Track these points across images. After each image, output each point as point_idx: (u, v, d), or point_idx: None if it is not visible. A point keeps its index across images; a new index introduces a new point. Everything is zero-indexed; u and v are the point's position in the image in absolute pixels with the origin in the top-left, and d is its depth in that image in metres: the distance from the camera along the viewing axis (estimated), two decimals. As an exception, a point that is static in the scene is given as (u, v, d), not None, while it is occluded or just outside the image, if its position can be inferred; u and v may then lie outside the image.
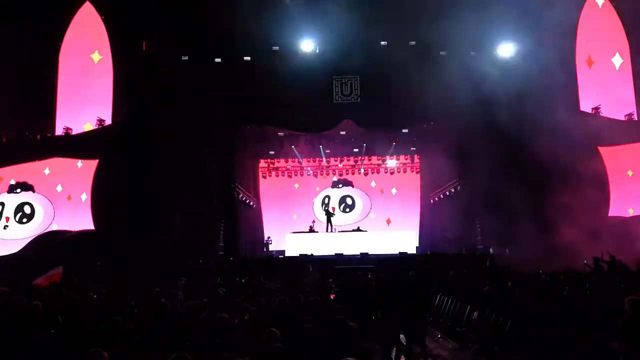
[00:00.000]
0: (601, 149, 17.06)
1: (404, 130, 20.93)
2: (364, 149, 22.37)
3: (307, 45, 17.90)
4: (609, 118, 17.41)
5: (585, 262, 11.79)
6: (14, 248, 17.19)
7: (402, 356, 7.47)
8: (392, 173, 24.06)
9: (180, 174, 17.31)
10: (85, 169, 17.78)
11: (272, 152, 22.83)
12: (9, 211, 17.71)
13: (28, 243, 17.24)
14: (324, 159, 23.47)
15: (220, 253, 18.40)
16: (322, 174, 24.24)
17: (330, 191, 24.22)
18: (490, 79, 16.74)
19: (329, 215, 20.95)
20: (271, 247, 21.82)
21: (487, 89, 16.49)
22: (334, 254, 17.78)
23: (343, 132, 20.64)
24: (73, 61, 18.96)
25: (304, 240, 19.50)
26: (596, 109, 17.61)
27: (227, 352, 4.14)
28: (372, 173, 24.21)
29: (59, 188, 17.87)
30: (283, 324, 4.95)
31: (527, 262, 13.39)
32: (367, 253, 17.46)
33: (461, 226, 19.13)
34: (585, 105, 17.87)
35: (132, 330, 4.88)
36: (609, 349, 4.74)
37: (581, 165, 15.17)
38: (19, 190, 17.81)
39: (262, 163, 24.23)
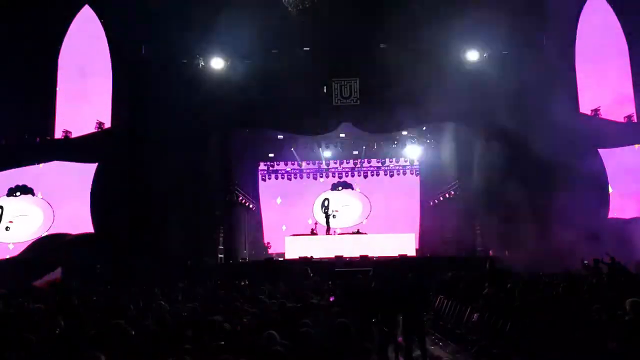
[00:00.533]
0: (601, 151, 17.07)
1: (403, 133, 20.96)
2: (363, 151, 22.39)
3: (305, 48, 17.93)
4: (608, 120, 17.43)
5: (586, 262, 11.78)
6: (14, 251, 17.19)
7: (401, 358, 7.47)
8: (391, 175, 24.07)
9: (180, 177, 17.32)
10: (84, 172, 17.78)
11: (271, 155, 22.84)
12: (8, 214, 17.71)
13: (28, 246, 17.23)
14: (324, 161, 23.48)
15: (220, 256, 18.38)
16: (321, 177, 24.25)
17: (329, 194, 24.22)
18: (491, 80, 16.76)
19: (328, 217, 20.95)
20: (270, 250, 21.81)
21: (487, 91, 16.52)
22: (333, 256, 17.77)
23: (342, 135, 20.66)
24: (72, 64, 18.98)
25: (304, 242, 19.49)
26: (596, 110, 17.63)
27: (226, 355, 4.14)
28: (372, 175, 24.22)
29: (58, 192, 17.85)
30: (282, 326, 4.94)
31: (527, 264, 13.38)
32: (366, 255, 17.44)
33: (461, 228, 19.13)
34: (585, 107, 17.90)
35: (131, 333, 4.87)
36: (608, 351, 4.73)
37: (581, 167, 15.17)
38: (18, 193, 17.82)
39: (262, 166, 24.24)
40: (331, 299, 8.71)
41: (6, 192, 17.81)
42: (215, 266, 17.09)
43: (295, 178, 24.29)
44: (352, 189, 24.34)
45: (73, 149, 17.90)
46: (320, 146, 21.67)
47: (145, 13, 17.22)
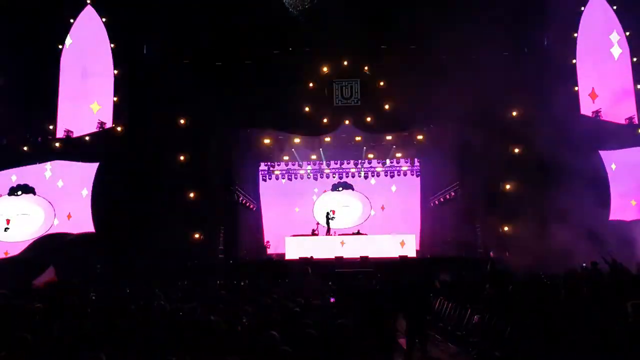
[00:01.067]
0: (602, 153, 17.06)
1: (404, 134, 20.96)
2: (364, 152, 22.39)
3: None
4: (609, 122, 17.41)
5: (584, 265, 11.77)
6: (15, 251, 17.20)
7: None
8: (392, 176, 24.06)
9: (181, 176, 17.34)
10: (85, 171, 17.81)
11: (272, 155, 22.85)
12: (9, 214, 17.73)
13: (28, 245, 17.25)
14: (324, 162, 23.48)
15: (220, 256, 18.39)
16: (322, 177, 24.25)
17: (330, 194, 24.22)
18: (491, 82, 16.75)
19: (328, 218, 20.94)
20: (271, 250, 21.80)
21: (488, 93, 16.49)
22: (333, 257, 17.77)
23: (343, 135, 20.67)
24: (74, 64, 19.01)
25: (304, 243, 19.49)
26: (597, 112, 17.61)
27: (226, 355, 4.14)
28: (373, 176, 24.21)
29: (60, 191, 17.88)
30: (283, 327, 4.94)
31: (527, 265, 13.36)
32: (367, 256, 17.44)
33: (461, 229, 19.11)
34: (586, 109, 17.88)
35: (131, 333, 4.88)
36: (610, 353, 4.72)
37: (582, 169, 15.16)
38: (19, 192, 17.84)
39: (262, 166, 24.24)
40: (332, 300, 8.70)
41: (7, 191, 17.84)
42: (216, 266, 17.09)
43: (296, 178, 24.29)
44: (353, 189, 24.33)
45: (75, 149, 17.93)
46: (321, 147, 21.67)
47: (146, 13, 17.25)
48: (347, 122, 18.46)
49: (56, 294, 8.91)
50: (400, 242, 18.88)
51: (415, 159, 23.57)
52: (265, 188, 24.28)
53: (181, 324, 5.35)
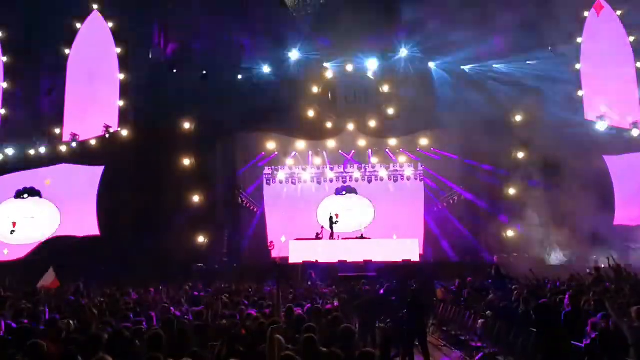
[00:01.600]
0: (606, 158, 17.01)
1: (408, 138, 20.97)
2: (368, 156, 22.40)
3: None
4: (614, 126, 17.37)
5: (588, 270, 11.74)
6: (21, 253, 17.31)
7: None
8: (395, 180, 24.03)
9: (185, 180, 17.42)
10: (91, 175, 17.92)
11: (276, 159, 22.89)
12: (15, 217, 17.84)
13: (34, 248, 17.34)
14: (328, 166, 23.50)
15: (224, 259, 18.43)
16: (325, 181, 24.25)
17: (333, 198, 24.22)
18: (494, 87, 16.79)
19: (332, 222, 20.93)
20: (274, 254, 21.79)
21: (492, 97, 16.52)
22: (337, 261, 17.75)
23: (347, 140, 20.70)
24: (81, 68, 19.16)
25: (308, 247, 19.49)
26: (601, 117, 17.58)
27: (231, 359, 4.17)
28: (376, 180, 24.19)
29: (65, 194, 17.98)
30: (287, 330, 4.96)
31: (531, 270, 13.33)
32: (370, 260, 17.42)
33: (465, 234, 19.08)
34: (590, 114, 17.85)
35: (136, 336, 4.91)
36: (615, 358, 4.71)
37: (586, 174, 15.13)
38: (26, 196, 17.96)
39: (266, 170, 24.29)
40: (336, 304, 8.71)
41: (14, 194, 17.96)
42: (219, 269, 17.13)
43: (300, 182, 24.30)
44: (356, 193, 24.31)
45: (81, 152, 18.06)
46: (324, 151, 21.71)
47: (153, 19, 17.40)
48: (351, 126, 18.50)
49: (61, 296, 8.95)
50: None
51: (419, 164, 23.55)
52: (270, 192, 24.30)
53: (185, 327, 5.38)
